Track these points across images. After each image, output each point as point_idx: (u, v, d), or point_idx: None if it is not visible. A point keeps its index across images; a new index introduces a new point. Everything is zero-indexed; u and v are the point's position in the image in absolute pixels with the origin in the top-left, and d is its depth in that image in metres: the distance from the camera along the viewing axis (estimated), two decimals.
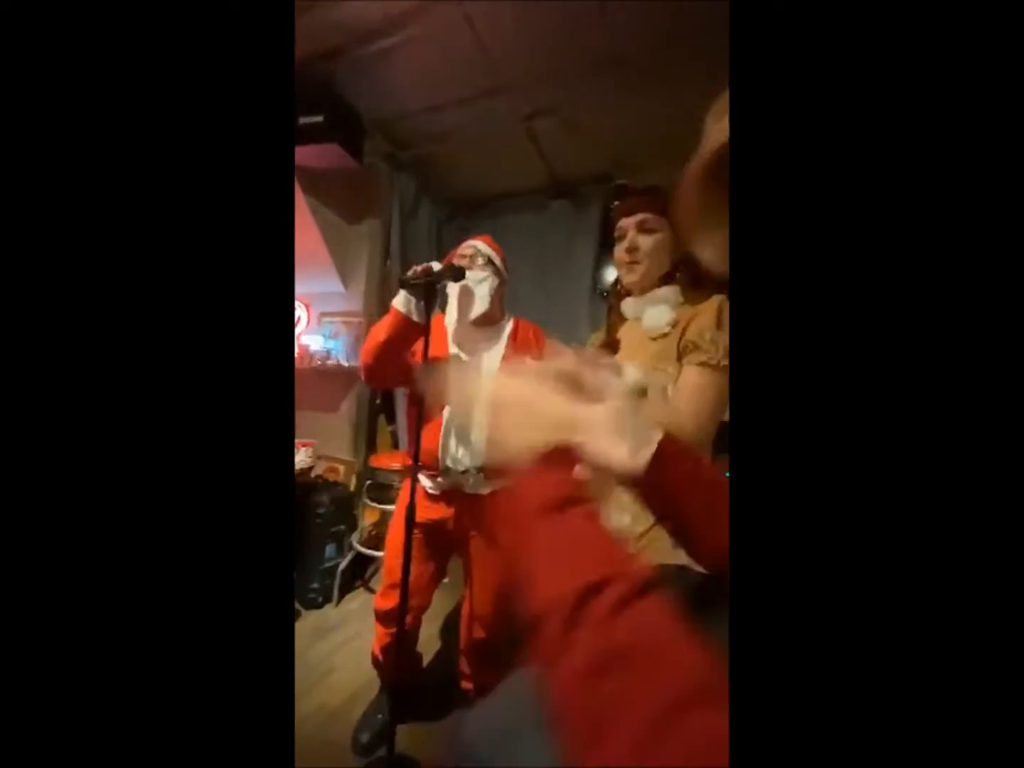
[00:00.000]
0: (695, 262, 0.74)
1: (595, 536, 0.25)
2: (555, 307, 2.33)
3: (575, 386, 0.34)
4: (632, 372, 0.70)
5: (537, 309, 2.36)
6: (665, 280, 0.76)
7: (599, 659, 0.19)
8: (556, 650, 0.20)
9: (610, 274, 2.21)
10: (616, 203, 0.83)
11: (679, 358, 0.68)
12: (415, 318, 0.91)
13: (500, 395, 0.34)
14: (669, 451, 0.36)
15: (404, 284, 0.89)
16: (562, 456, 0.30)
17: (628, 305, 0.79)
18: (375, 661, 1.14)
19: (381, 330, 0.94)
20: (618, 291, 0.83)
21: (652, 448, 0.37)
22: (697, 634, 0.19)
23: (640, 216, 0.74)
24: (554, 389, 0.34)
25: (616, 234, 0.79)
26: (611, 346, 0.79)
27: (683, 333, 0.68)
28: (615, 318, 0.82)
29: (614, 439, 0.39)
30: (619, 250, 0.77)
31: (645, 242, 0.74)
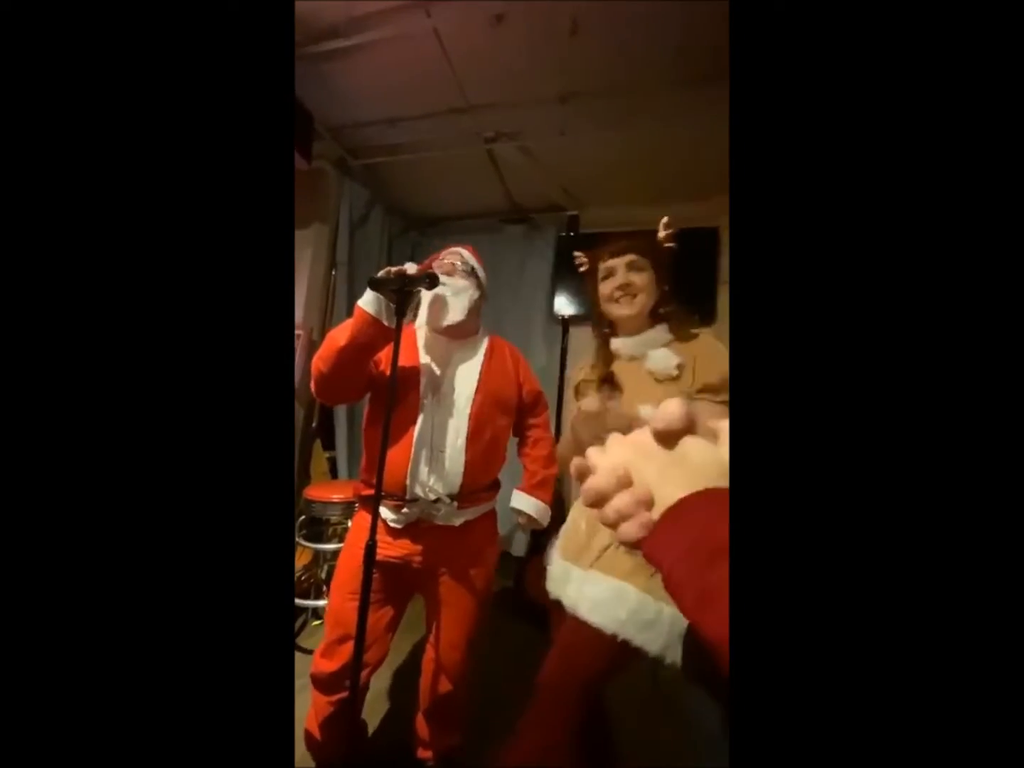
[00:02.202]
0: (674, 299, 0.82)
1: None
2: (509, 330, 2.31)
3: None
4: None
5: (489, 332, 2.33)
6: (652, 317, 0.81)
7: None
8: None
9: (566, 306, 2.25)
10: (591, 249, 0.90)
11: (698, 392, 0.71)
12: (385, 321, 0.80)
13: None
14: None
15: (375, 285, 0.78)
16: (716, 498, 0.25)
17: (622, 344, 0.82)
18: (310, 740, 0.92)
19: (342, 334, 0.82)
20: (604, 330, 0.87)
21: None
22: None
23: (629, 256, 0.81)
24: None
25: (601, 275, 0.84)
26: (610, 382, 0.81)
27: (693, 376, 0.73)
28: (604, 354, 0.85)
29: None
30: (607, 287, 0.83)
31: (639, 278, 0.80)
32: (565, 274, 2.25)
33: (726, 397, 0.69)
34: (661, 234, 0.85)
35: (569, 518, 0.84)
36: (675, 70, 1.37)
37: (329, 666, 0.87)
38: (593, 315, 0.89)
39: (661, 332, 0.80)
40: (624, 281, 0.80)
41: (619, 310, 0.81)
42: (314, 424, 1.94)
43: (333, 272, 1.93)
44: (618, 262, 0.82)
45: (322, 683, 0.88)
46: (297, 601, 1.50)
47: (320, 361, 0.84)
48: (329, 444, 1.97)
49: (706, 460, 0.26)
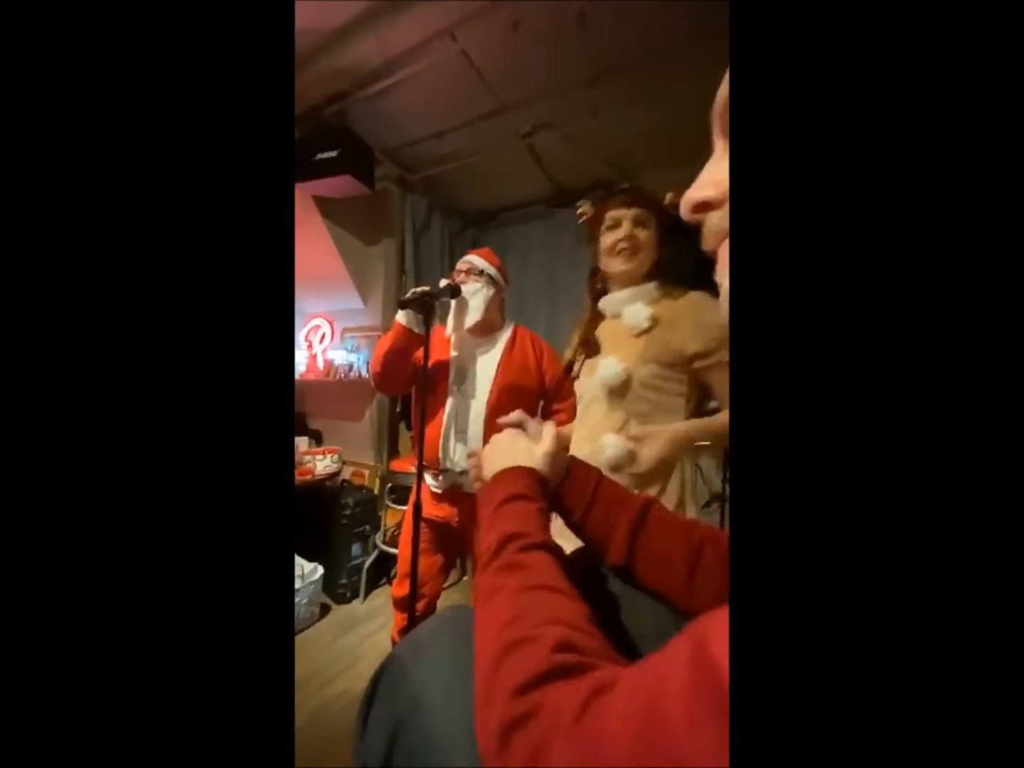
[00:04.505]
0: (672, 259, 0.81)
1: (524, 511, 0.36)
2: (563, 312, 2.40)
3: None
4: (613, 364, 0.77)
5: (545, 314, 2.44)
6: (647, 276, 0.80)
7: (489, 586, 0.29)
8: (486, 566, 0.31)
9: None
10: (602, 194, 0.87)
11: (691, 361, 0.73)
12: (416, 329, 1.01)
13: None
14: (574, 474, 0.47)
15: (404, 304, 0.99)
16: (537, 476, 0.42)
17: (607, 302, 0.83)
18: (394, 644, 1.24)
19: (386, 341, 1.05)
20: (595, 288, 0.87)
21: (561, 474, 0.49)
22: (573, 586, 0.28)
23: (636, 210, 0.79)
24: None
25: (606, 223, 0.81)
26: (589, 345, 0.84)
27: (662, 333, 0.74)
28: (592, 316, 0.87)
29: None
30: (610, 239, 0.80)
31: (643, 234, 0.79)
32: None
33: (699, 363, 0.72)
34: (667, 200, 0.83)
35: None
36: (695, 25, 1.29)
37: (400, 592, 1.15)
38: (591, 270, 0.87)
39: (648, 289, 0.79)
40: (628, 233, 0.79)
41: (618, 264, 0.80)
42: (398, 409, 2.31)
43: (403, 278, 2.24)
44: (625, 213, 0.80)
45: (397, 603, 1.18)
46: (391, 550, 1.88)
47: (374, 363, 1.09)
48: (411, 425, 2.33)
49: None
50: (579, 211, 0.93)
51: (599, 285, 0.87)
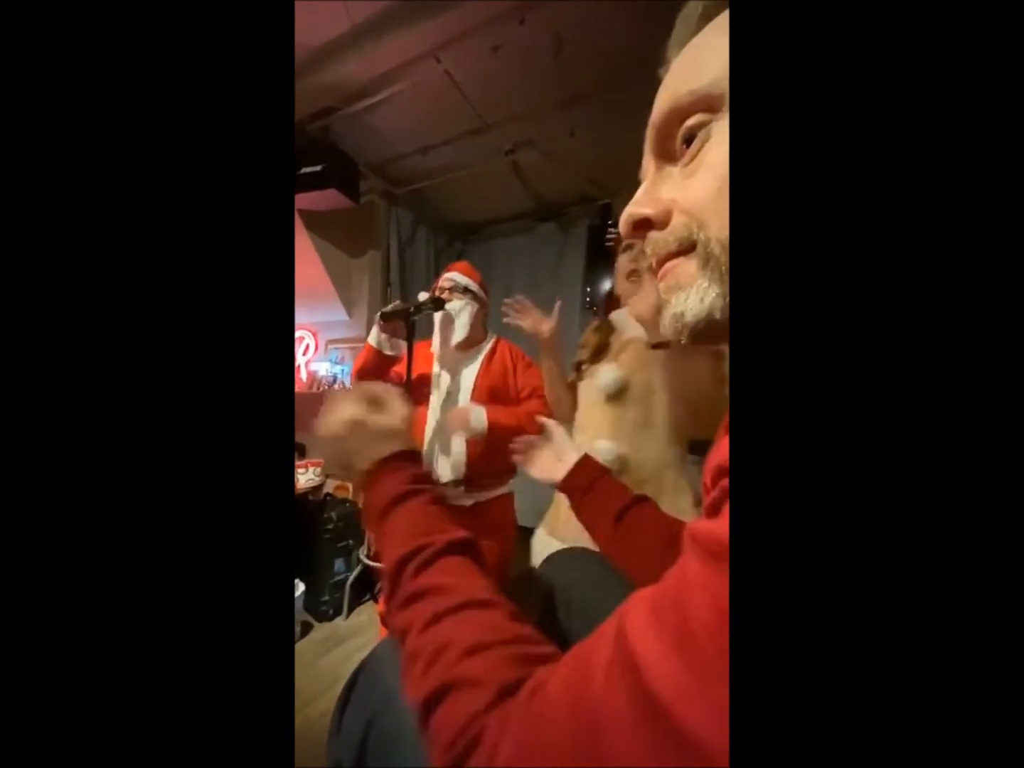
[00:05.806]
0: None
1: (422, 516, 0.31)
2: None
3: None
4: (612, 372, 0.83)
5: None
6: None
7: (398, 628, 0.26)
8: (389, 603, 0.28)
9: (599, 296, 2.31)
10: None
11: None
12: (385, 351, 1.03)
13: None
14: (583, 470, 0.50)
15: (386, 316, 1.00)
16: (404, 460, 0.36)
17: (620, 319, 0.91)
18: None
19: (359, 361, 1.07)
20: (614, 299, 0.91)
21: (569, 466, 0.51)
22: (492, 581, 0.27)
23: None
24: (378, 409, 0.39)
25: (623, 247, 0.84)
26: (602, 349, 0.91)
27: None
28: (605, 323, 0.94)
29: (548, 456, 0.56)
30: (626, 260, 0.82)
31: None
32: (597, 264, 2.30)
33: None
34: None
35: (554, 500, 0.98)
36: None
37: (384, 607, 1.14)
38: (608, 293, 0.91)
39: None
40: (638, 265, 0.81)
41: (630, 290, 0.83)
42: None
43: (389, 290, 2.25)
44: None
45: (382, 619, 1.17)
46: (375, 564, 1.85)
47: (352, 379, 1.10)
48: None
49: None
50: (608, 236, 0.97)
51: (616, 300, 0.93)
